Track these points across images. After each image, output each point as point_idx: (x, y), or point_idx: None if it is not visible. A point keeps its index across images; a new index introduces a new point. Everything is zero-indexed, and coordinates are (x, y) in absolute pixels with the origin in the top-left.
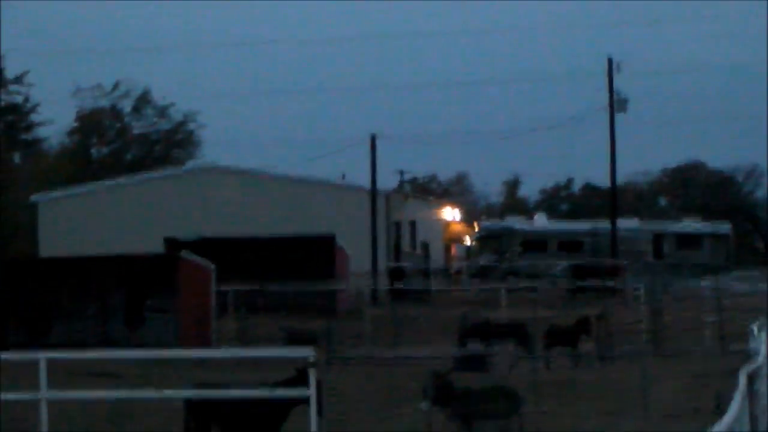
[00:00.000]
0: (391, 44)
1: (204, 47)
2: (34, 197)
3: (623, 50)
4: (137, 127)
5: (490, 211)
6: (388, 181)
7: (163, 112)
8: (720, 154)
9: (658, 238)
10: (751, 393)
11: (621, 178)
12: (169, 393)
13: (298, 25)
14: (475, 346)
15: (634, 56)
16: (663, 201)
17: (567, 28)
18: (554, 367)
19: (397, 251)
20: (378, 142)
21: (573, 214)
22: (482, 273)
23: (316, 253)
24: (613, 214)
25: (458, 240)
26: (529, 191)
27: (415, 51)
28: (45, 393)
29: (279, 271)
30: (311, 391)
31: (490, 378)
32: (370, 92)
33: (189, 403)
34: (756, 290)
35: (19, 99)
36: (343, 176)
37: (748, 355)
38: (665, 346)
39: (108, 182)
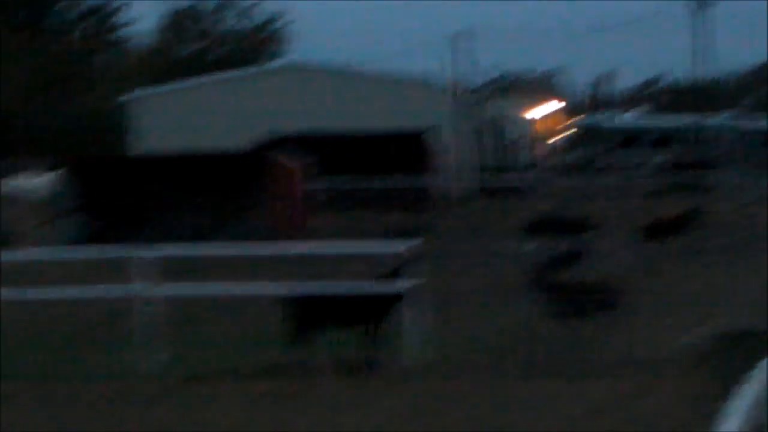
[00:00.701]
0: None
1: None
2: (123, 97)
3: None
4: (222, 27)
5: (582, 107)
6: (479, 73)
7: (248, 11)
8: None
9: (750, 134)
10: None
11: (713, 74)
12: (267, 288)
13: None
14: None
15: None
16: (753, 98)
17: None
18: (654, 261)
19: (488, 148)
20: (470, 38)
21: (667, 110)
22: (574, 169)
23: (408, 150)
24: (706, 109)
25: (549, 136)
26: (622, 87)
27: None
28: (141, 288)
29: (372, 167)
30: (411, 286)
31: (589, 271)
32: None
33: (288, 299)
34: None
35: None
36: (436, 73)
37: None
38: (757, 244)
39: (197, 80)
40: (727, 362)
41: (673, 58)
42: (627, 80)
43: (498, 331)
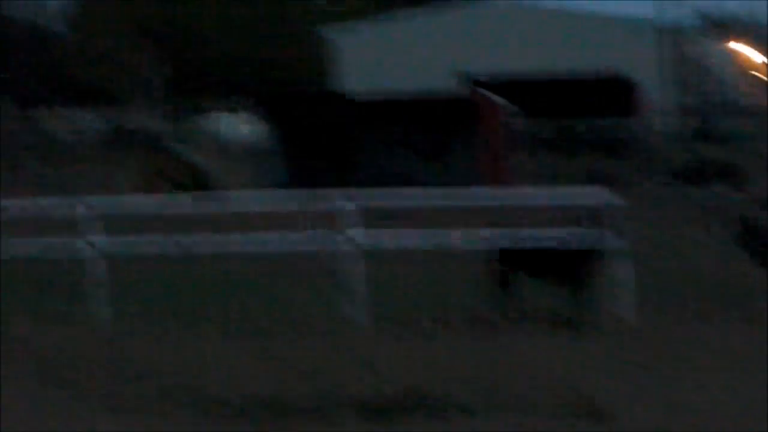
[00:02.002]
0: None
1: None
2: (327, 31)
3: None
4: None
5: None
6: (684, 17)
7: None
8: None
9: None
10: None
11: None
12: (472, 240)
13: None
14: None
15: None
16: None
17: None
18: None
19: (696, 90)
20: None
21: None
22: None
23: (613, 93)
24: None
25: (760, 78)
26: None
27: None
28: (345, 238)
29: (575, 111)
30: (615, 239)
31: None
32: None
33: (501, 250)
34: None
35: None
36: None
37: None
38: None
39: (403, 14)
40: None
41: None
42: None
43: (701, 283)
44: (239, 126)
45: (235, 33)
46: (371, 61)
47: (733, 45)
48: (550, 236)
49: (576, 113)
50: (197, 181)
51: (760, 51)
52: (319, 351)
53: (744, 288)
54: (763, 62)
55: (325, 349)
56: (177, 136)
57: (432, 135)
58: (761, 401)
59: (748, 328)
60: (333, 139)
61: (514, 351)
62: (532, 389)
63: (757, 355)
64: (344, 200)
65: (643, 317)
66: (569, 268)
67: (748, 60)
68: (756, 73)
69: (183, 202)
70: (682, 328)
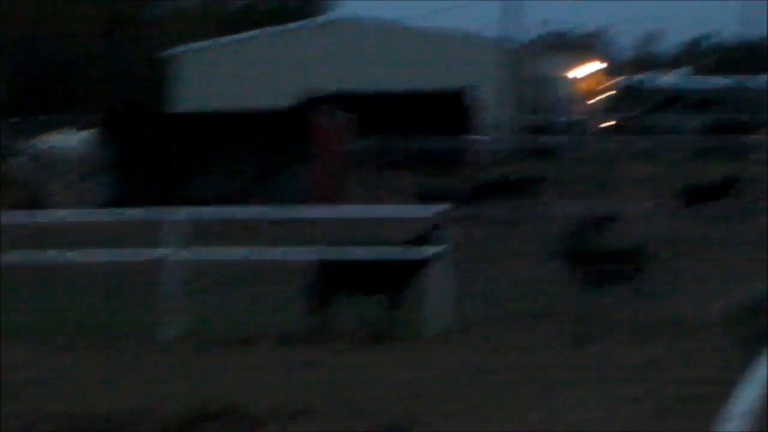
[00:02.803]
0: None
1: None
2: (168, 51)
3: None
4: None
5: (628, 66)
6: (525, 33)
7: None
8: None
9: None
10: None
11: (760, 34)
12: (295, 252)
13: None
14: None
15: None
16: None
17: None
18: (689, 225)
19: (531, 107)
20: None
21: (712, 71)
22: (617, 129)
23: (451, 108)
24: (753, 70)
25: (594, 95)
26: (667, 46)
27: None
28: (168, 252)
29: (413, 126)
30: (437, 252)
31: (620, 236)
32: None
33: (313, 264)
34: None
35: None
36: (483, 29)
37: None
38: None
39: (243, 35)
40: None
41: (720, 18)
42: (672, 40)
43: (523, 299)
44: (77, 142)
45: (75, 50)
46: (215, 79)
47: (576, 62)
48: (373, 251)
49: (416, 129)
50: (32, 197)
51: (601, 68)
52: (125, 365)
53: (555, 296)
54: (603, 79)
55: (131, 362)
56: (13, 152)
57: (270, 151)
58: (567, 408)
59: (557, 332)
60: (172, 157)
61: (325, 364)
62: (329, 400)
63: (569, 368)
64: (173, 216)
65: (463, 328)
66: (394, 281)
67: (589, 77)
68: (596, 90)
69: (11, 216)
70: (497, 336)
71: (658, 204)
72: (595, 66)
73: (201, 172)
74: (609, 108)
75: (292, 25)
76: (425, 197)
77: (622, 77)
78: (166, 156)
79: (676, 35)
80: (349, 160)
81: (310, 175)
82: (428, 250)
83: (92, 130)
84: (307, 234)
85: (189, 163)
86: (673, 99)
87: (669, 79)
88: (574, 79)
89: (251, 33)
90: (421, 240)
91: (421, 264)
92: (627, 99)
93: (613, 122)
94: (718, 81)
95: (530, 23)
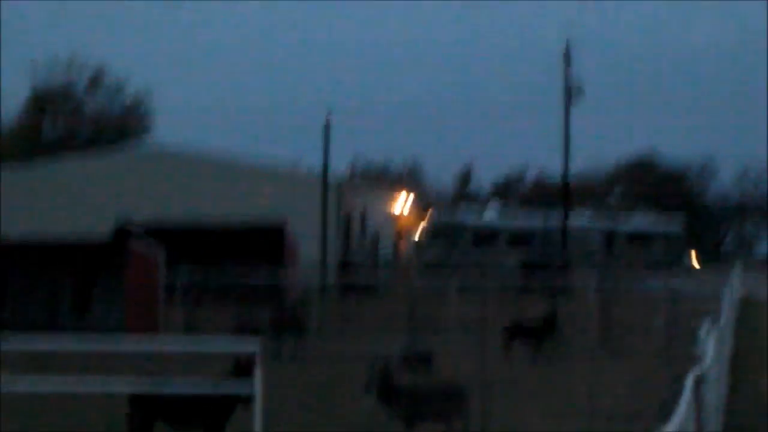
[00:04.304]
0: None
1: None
2: None
3: (584, 35)
4: (91, 106)
5: (443, 201)
6: (340, 164)
7: (117, 90)
8: (675, 148)
9: (609, 236)
10: (698, 397)
11: (575, 169)
12: (110, 386)
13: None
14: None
15: (593, 44)
16: (617, 193)
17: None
18: (506, 365)
19: (347, 242)
20: (332, 127)
21: (526, 205)
22: (432, 267)
23: (266, 242)
24: (565, 210)
25: (409, 231)
26: (483, 180)
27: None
28: None
29: (229, 258)
30: (255, 387)
31: (436, 375)
32: (324, 73)
33: (131, 396)
34: (704, 290)
35: None
36: (300, 162)
37: (694, 358)
38: (613, 345)
39: (60, 162)
40: None
41: (539, 153)
42: (492, 172)
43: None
44: None
45: None
46: (28, 204)
47: (392, 197)
48: (191, 383)
49: (230, 261)
50: None
51: (417, 203)
52: None
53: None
54: (419, 214)
55: None
56: None
57: (82, 283)
58: None
59: None
60: None
61: None
62: None
63: None
64: None
65: None
66: (211, 415)
67: (405, 212)
68: (412, 225)
69: None
70: None
71: (477, 341)
72: (412, 201)
73: (12, 301)
74: (425, 244)
75: (106, 155)
76: (240, 330)
77: (441, 212)
78: None
79: (492, 171)
80: (162, 291)
81: (123, 306)
82: (244, 385)
83: None
84: (121, 366)
85: (4, 292)
86: (490, 235)
87: (486, 214)
88: (391, 214)
89: (67, 160)
90: (237, 373)
91: (238, 398)
92: (444, 234)
93: (429, 258)
94: (534, 218)
95: (349, 156)
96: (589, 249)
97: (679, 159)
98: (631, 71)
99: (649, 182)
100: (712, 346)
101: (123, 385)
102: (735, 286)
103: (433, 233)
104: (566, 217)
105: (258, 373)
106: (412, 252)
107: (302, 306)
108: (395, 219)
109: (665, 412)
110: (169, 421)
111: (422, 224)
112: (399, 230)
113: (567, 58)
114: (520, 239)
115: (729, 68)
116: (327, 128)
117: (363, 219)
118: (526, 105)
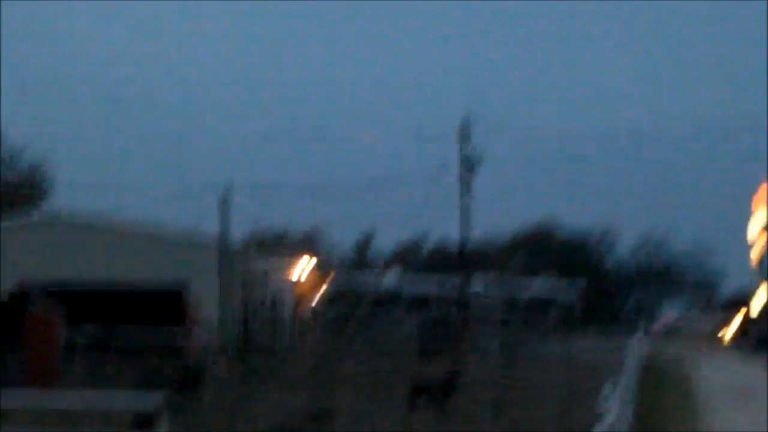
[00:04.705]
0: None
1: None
2: None
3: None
4: None
5: (344, 265)
6: (241, 229)
7: (13, 158)
8: (576, 217)
9: (508, 301)
10: None
11: (476, 235)
12: None
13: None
14: None
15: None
16: (517, 259)
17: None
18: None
19: (245, 306)
20: (231, 193)
21: (426, 270)
22: (332, 328)
23: (165, 306)
24: (462, 276)
25: (310, 294)
26: (384, 245)
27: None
28: None
29: (132, 319)
30: None
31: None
32: (224, 143)
33: None
34: (601, 352)
35: None
36: (199, 227)
37: (596, 416)
38: (511, 406)
39: None
40: None
41: (438, 220)
42: (393, 237)
43: None
44: None
45: None
46: None
47: (292, 261)
48: None
49: (133, 322)
50: None
51: (316, 266)
52: None
53: None
54: (319, 277)
55: None
56: None
57: None
58: None
59: None
60: None
61: None
62: None
63: None
64: None
65: None
66: None
67: (305, 276)
68: (312, 289)
69: None
70: None
71: (378, 400)
72: (314, 264)
73: None
74: (325, 306)
75: (4, 223)
76: (142, 385)
77: (340, 276)
78: None
79: (391, 235)
80: (62, 350)
81: (23, 364)
82: None
83: None
84: (19, 421)
85: None
86: (389, 298)
87: (384, 279)
88: (290, 278)
89: None
90: (138, 427)
91: None
92: (342, 298)
93: (330, 319)
94: (431, 282)
95: (248, 221)
96: (488, 313)
97: (579, 228)
98: (532, 142)
99: (550, 249)
100: (616, 404)
101: None
102: (636, 349)
103: (332, 297)
104: (464, 282)
105: (161, 428)
106: (311, 315)
107: (203, 363)
108: (295, 284)
109: None
110: None
111: (322, 288)
112: (299, 294)
113: (464, 132)
114: (419, 302)
115: (630, 144)
116: (225, 200)
117: (262, 283)
118: (428, 174)
